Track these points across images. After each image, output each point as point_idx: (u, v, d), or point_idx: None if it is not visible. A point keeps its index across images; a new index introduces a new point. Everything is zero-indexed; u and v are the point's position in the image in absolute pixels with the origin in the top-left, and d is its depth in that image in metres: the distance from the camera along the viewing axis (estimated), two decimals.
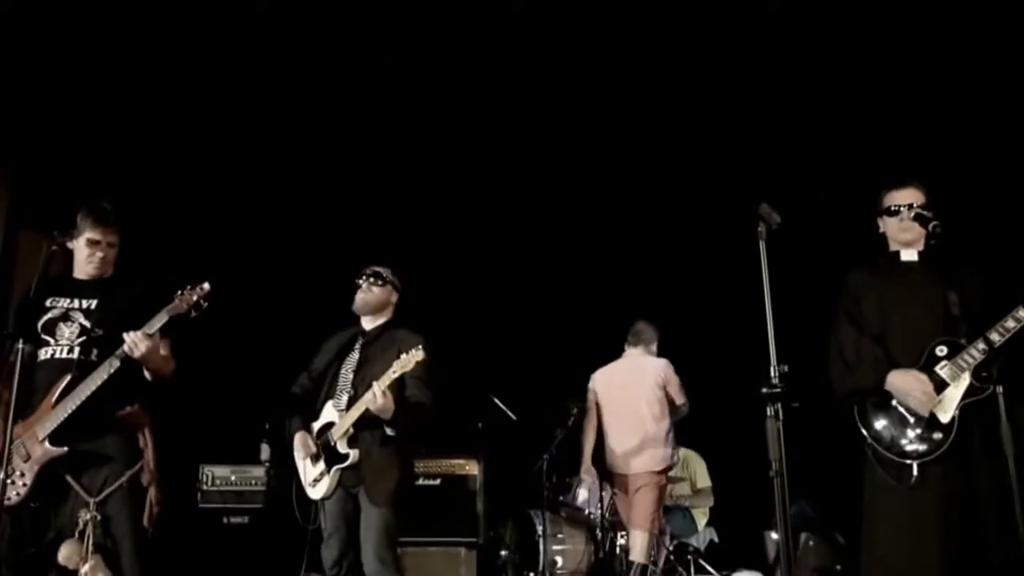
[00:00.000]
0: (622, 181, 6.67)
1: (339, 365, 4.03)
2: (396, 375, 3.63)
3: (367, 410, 3.67)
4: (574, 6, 5.38)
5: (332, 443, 3.81)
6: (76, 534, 3.30)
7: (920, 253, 3.53)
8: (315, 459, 3.88)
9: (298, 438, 3.94)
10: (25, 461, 3.35)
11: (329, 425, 3.87)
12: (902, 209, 3.51)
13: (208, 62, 5.57)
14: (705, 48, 5.71)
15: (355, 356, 4.00)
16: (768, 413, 2.82)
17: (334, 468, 3.80)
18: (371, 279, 4.07)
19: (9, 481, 3.26)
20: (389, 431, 3.74)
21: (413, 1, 5.34)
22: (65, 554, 3.27)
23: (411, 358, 3.62)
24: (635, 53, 5.81)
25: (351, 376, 3.94)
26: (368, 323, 4.10)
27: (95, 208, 3.65)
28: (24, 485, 3.33)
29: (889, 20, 5.36)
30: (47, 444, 3.35)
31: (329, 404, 3.92)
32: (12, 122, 5.06)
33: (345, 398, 3.88)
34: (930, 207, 3.50)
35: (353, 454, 3.76)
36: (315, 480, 3.87)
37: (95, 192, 3.93)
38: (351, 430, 3.77)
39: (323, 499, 3.86)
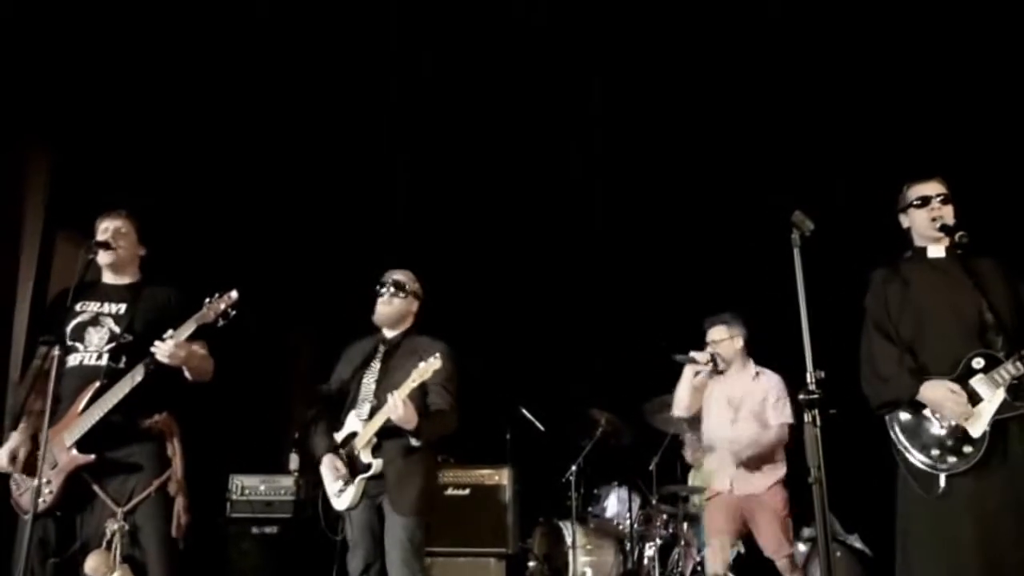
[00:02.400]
0: (653, 189, 6.63)
1: (361, 374, 3.98)
2: (415, 384, 3.60)
3: (389, 419, 3.64)
4: (611, 12, 5.37)
5: (356, 453, 3.78)
6: (103, 544, 3.26)
7: (947, 249, 3.41)
8: (340, 471, 3.85)
9: (326, 461, 3.88)
10: (52, 468, 3.31)
11: (352, 435, 3.83)
12: (932, 199, 3.40)
13: (234, 67, 5.64)
14: (736, 54, 5.68)
15: (376, 365, 3.97)
16: (805, 420, 2.75)
17: (358, 478, 3.77)
18: (392, 289, 4.01)
19: None
20: (414, 442, 3.70)
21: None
22: (92, 564, 3.23)
23: (428, 367, 3.59)
24: (662, 63, 5.80)
25: (373, 386, 3.90)
26: (389, 332, 4.06)
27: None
28: (50, 493, 3.30)
29: (920, 24, 5.30)
30: (74, 451, 3.33)
31: (352, 414, 3.89)
32: (51, 117, 5.07)
33: (367, 407, 3.85)
34: (949, 201, 3.42)
35: (376, 464, 3.73)
36: (340, 491, 3.83)
37: (131, 191, 3.92)
38: (374, 440, 3.74)
39: (348, 510, 3.82)
